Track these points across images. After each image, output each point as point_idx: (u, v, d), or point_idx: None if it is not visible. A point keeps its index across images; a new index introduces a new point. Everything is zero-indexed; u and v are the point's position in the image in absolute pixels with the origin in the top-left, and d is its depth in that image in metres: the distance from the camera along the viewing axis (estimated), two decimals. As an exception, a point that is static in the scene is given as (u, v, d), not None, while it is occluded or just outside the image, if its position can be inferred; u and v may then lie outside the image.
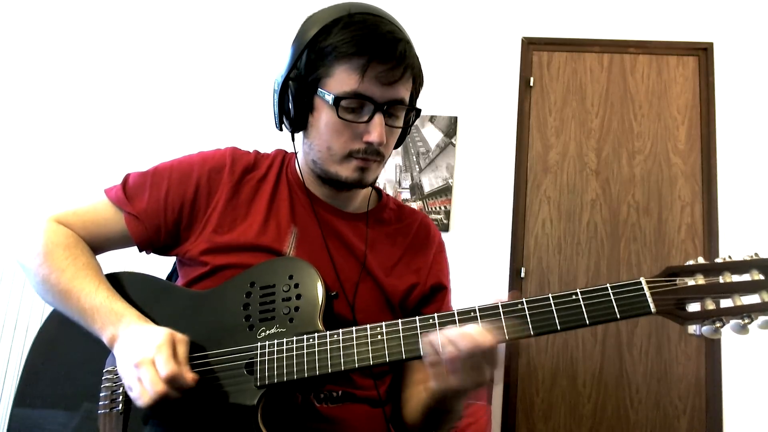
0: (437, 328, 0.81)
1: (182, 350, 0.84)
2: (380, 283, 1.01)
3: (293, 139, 1.05)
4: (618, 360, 2.77)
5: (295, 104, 0.97)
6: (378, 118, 0.93)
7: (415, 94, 1.01)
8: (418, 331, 0.82)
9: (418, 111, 1.00)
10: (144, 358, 0.81)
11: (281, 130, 1.04)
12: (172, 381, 0.80)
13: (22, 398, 0.99)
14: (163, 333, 0.85)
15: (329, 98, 0.92)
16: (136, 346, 0.84)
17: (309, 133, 1.00)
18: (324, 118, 0.95)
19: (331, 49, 0.92)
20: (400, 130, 1.00)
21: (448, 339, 0.77)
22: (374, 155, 0.96)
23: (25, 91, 3.35)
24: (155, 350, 0.82)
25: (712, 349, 2.71)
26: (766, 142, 2.85)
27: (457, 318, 0.81)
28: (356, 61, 0.90)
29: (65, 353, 0.99)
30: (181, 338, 0.85)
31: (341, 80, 0.92)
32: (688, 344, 2.75)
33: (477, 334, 0.76)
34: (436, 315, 0.82)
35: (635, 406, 2.72)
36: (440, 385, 0.82)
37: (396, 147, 1.04)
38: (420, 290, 1.04)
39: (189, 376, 0.82)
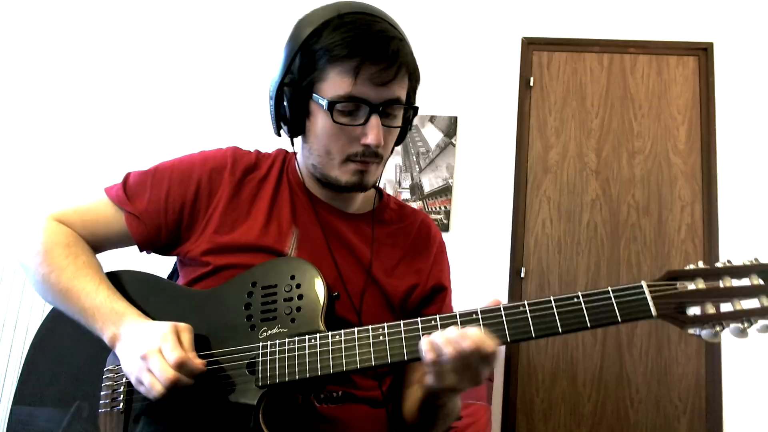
0: (439, 329, 0.81)
1: (187, 338, 0.84)
2: (381, 285, 1.01)
3: (293, 144, 1.05)
4: (618, 360, 2.77)
5: (290, 110, 0.96)
6: (374, 120, 0.92)
7: (411, 92, 0.99)
8: (420, 333, 0.82)
9: (416, 109, 0.99)
10: (150, 349, 0.81)
11: (279, 135, 1.03)
12: (181, 366, 0.80)
13: (22, 396, 0.99)
14: (165, 324, 0.85)
15: (323, 103, 0.91)
16: (139, 339, 0.84)
17: (307, 137, 0.99)
18: (320, 122, 0.94)
19: (322, 53, 0.91)
20: (398, 129, 0.99)
21: (448, 339, 0.77)
22: (372, 157, 0.95)
23: (25, 91, 3.35)
24: (160, 340, 0.82)
25: (712, 349, 2.71)
26: (766, 142, 2.85)
27: (459, 320, 0.81)
28: (348, 63, 0.89)
29: (65, 352, 0.99)
30: (184, 327, 0.85)
31: (335, 84, 0.91)
32: (688, 344, 2.76)
33: (477, 337, 0.77)
34: (438, 316, 0.82)
35: (635, 406, 2.73)
36: (437, 383, 0.82)
37: (396, 145, 1.03)
38: (420, 291, 1.04)
39: (197, 361, 0.82)
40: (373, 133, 0.91)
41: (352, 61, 0.89)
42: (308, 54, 0.92)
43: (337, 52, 0.89)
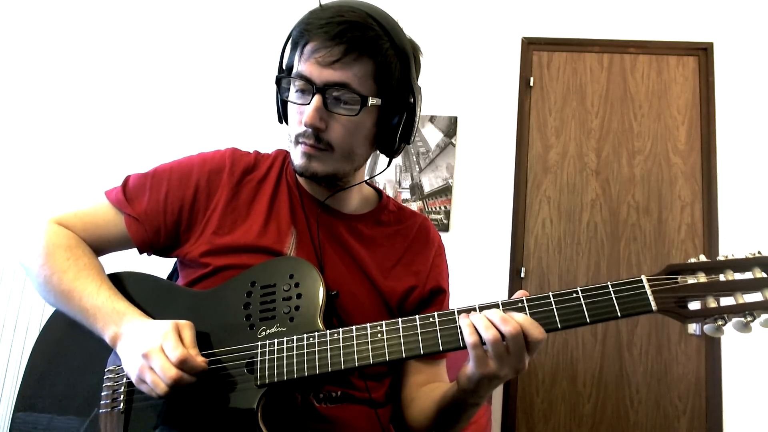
0: (437, 326, 0.81)
1: (188, 335, 0.84)
2: (377, 285, 1.00)
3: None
4: (618, 360, 2.77)
5: (278, 98, 1.00)
6: (314, 101, 0.90)
7: (384, 84, 0.93)
8: (418, 330, 0.82)
9: (364, 99, 0.90)
10: (151, 347, 0.81)
11: (281, 123, 1.05)
12: (183, 364, 0.80)
13: (24, 401, 0.99)
14: (167, 322, 0.85)
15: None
16: (141, 338, 0.84)
17: None
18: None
19: (293, 39, 0.94)
20: (348, 119, 0.92)
21: (491, 321, 0.77)
22: (314, 141, 0.92)
23: (26, 93, 3.35)
24: (161, 338, 0.82)
25: (712, 349, 2.71)
26: (766, 142, 2.85)
27: (457, 316, 0.81)
28: (300, 42, 0.92)
29: (67, 355, 0.99)
30: (185, 324, 0.85)
31: (290, 64, 0.95)
32: (688, 344, 2.75)
33: (522, 320, 0.76)
34: (436, 314, 0.82)
35: (635, 406, 2.72)
36: (479, 370, 0.79)
37: (381, 148, 1.00)
38: (419, 293, 1.04)
39: (199, 359, 0.82)
40: (307, 112, 0.90)
41: (302, 39, 0.91)
42: (289, 43, 0.96)
43: (294, 34, 0.93)
